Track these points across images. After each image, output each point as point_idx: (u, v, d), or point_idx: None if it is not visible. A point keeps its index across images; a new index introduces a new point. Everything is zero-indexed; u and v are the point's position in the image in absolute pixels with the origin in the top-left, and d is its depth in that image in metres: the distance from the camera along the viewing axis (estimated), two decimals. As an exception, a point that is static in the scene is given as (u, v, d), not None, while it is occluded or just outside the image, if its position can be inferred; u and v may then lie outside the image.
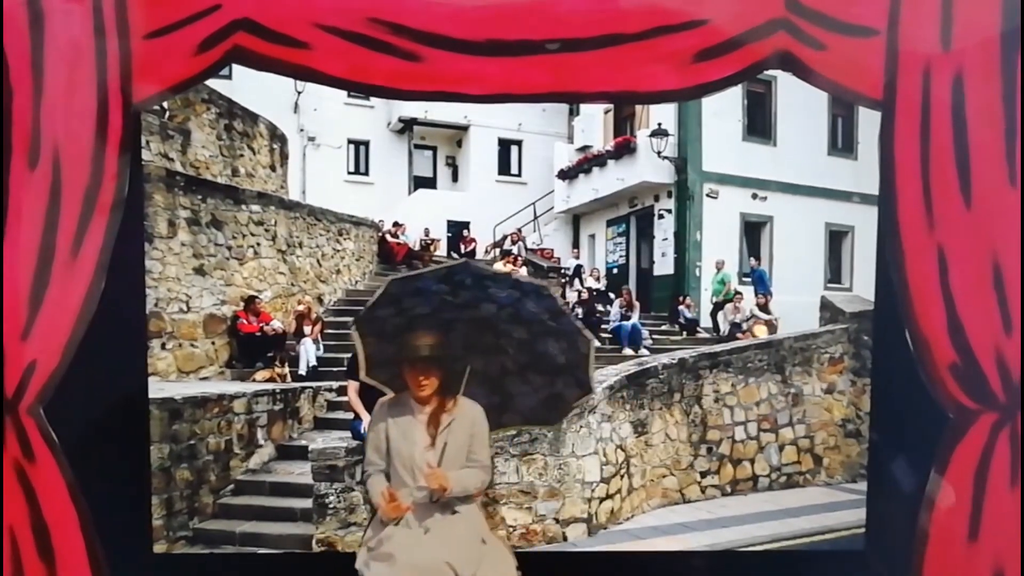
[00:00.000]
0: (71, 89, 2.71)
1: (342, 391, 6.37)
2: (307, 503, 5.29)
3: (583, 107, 13.79)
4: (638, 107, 12.19)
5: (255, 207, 8.35)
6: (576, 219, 14.66)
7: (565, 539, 5.74)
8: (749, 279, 11.00)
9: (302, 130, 13.77)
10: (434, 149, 15.51)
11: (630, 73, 2.89)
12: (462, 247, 14.15)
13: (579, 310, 10.09)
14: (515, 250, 12.80)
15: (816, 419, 8.02)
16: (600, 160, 13.03)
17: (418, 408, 2.60)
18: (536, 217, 14.67)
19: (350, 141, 14.59)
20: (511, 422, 3.04)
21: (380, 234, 11.96)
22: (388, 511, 2.51)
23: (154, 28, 2.74)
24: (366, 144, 14.75)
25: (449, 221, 14.58)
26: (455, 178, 15.72)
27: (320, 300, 9.38)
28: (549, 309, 2.74)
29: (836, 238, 11.99)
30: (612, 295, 11.05)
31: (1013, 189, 2.72)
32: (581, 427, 5.99)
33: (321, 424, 6.94)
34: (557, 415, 3.04)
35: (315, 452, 5.21)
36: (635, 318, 9.90)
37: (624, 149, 12.38)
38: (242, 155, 10.02)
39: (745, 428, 7.68)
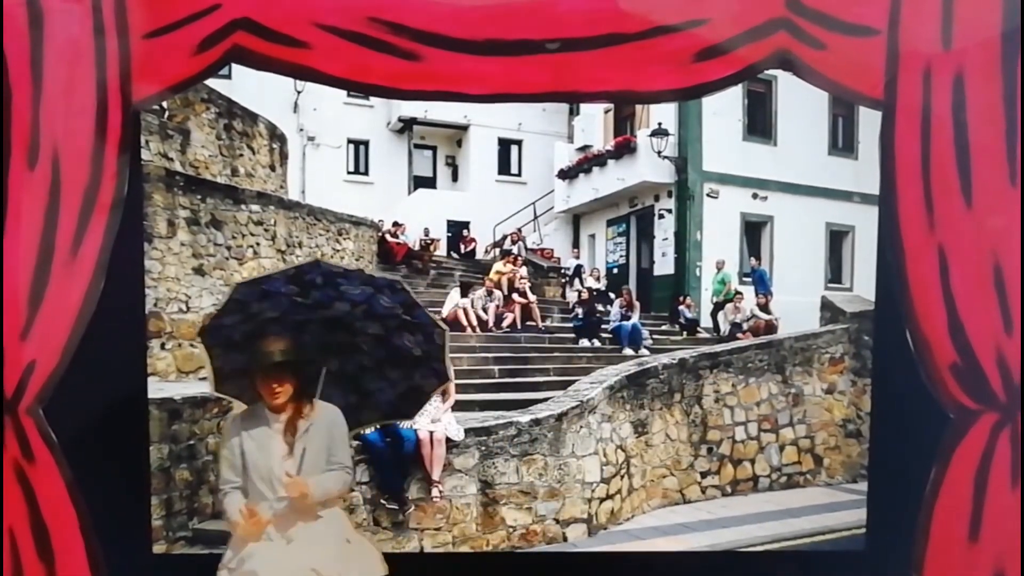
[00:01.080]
0: (70, 89, 2.71)
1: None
2: (307, 503, 5.28)
3: (583, 107, 13.76)
4: (638, 107, 12.17)
5: (255, 207, 8.33)
6: (576, 219, 14.64)
7: (565, 540, 5.73)
8: (749, 279, 10.97)
9: (302, 130, 13.75)
10: (434, 149, 15.49)
11: (630, 73, 2.89)
12: (462, 247, 14.13)
13: (579, 310, 10.09)
14: (515, 250, 12.78)
15: (817, 419, 8.01)
16: (600, 160, 13.01)
17: (273, 417, 2.55)
18: (536, 217, 14.65)
19: (350, 141, 14.57)
20: (369, 419, 3.06)
21: (380, 234, 11.94)
22: (249, 528, 2.46)
23: (153, 28, 2.74)
24: (366, 144, 14.73)
25: (449, 221, 14.55)
26: (455, 178, 15.70)
27: (320, 300, 9.36)
28: (403, 303, 2.77)
29: (837, 238, 11.97)
30: (612, 295, 11.02)
31: (1013, 189, 2.72)
32: (581, 427, 5.99)
33: (321, 424, 6.93)
34: (415, 407, 3.13)
35: (315, 452, 5.20)
36: (635, 318, 9.88)
37: (624, 149, 12.36)
38: (241, 155, 10.01)
39: (745, 428, 7.67)
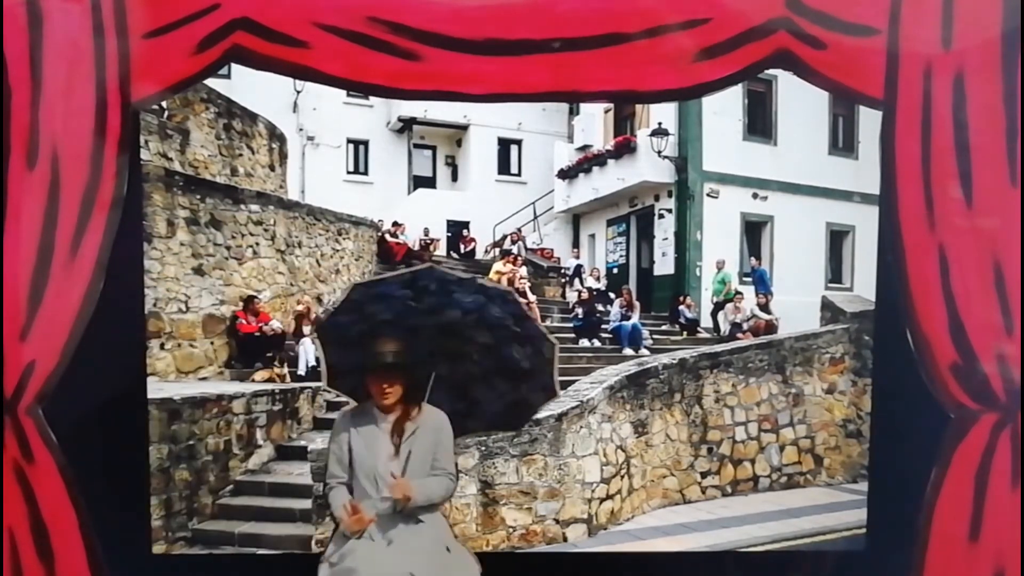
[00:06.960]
0: (70, 88, 2.70)
1: (342, 391, 6.36)
2: (306, 503, 5.29)
3: (583, 106, 13.78)
4: (638, 106, 12.18)
5: (254, 207, 8.34)
6: (576, 219, 14.65)
7: (565, 540, 5.74)
8: (749, 279, 10.99)
9: (301, 129, 13.76)
10: (434, 148, 15.50)
11: (630, 72, 2.89)
12: (462, 247, 14.14)
13: (579, 310, 10.09)
14: (515, 250, 12.79)
15: (817, 419, 8.02)
16: (600, 160, 13.02)
17: (381, 417, 2.57)
18: (536, 217, 14.66)
19: (349, 141, 14.58)
20: (475, 428, 3.04)
21: (379, 234, 11.95)
22: (351, 524, 2.48)
23: (153, 27, 2.74)
24: (365, 144, 14.74)
25: (449, 221, 14.57)
26: (455, 178, 15.70)
27: (319, 300, 9.37)
28: (514, 314, 2.76)
29: (837, 238, 11.98)
30: (612, 295, 11.03)
31: (1014, 189, 2.72)
32: (581, 427, 5.99)
33: (320, 424, 6.94)
34: (521, 420, 3.12)
35: (314, 452, 5.20)
36: (635, 318, 9.89)
37: (624, 148, 12.37)
38: (241, 154, 10.01)
39: (746, 428, 7.67)
